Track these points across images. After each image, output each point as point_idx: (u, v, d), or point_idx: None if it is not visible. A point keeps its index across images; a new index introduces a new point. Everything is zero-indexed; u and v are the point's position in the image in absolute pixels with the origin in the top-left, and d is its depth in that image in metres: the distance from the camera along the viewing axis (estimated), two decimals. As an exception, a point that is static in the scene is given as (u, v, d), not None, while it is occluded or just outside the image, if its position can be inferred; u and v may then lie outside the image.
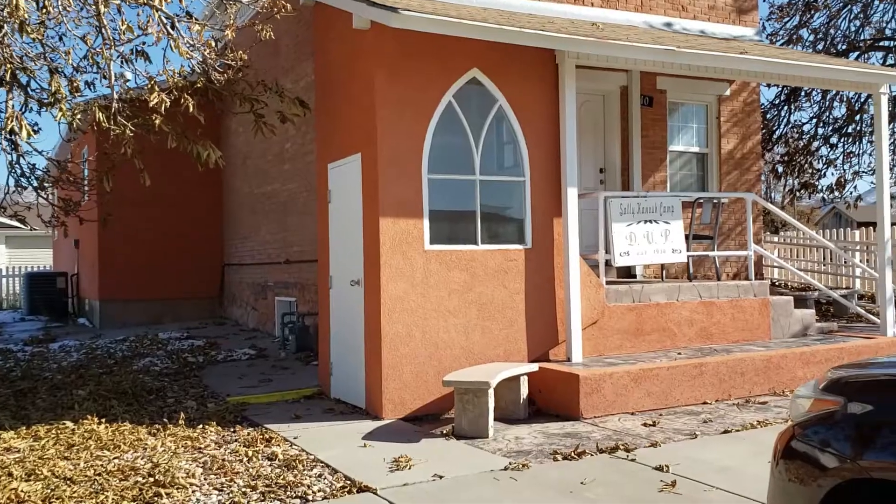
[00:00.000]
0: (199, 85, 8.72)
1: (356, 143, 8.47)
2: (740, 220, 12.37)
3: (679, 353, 9.04)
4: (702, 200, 10.25)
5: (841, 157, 17.37)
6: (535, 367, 8.15)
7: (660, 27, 11.61)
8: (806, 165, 17.31)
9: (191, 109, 8.08)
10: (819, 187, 17.52)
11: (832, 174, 17.58)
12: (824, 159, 17.26)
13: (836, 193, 17.32)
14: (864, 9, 15.96)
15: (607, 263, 9.33)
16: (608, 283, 9.39)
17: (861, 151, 17.32)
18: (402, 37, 7.98)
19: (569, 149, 8.63)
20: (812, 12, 16.61)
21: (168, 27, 8.25)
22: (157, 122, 8.16)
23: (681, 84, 12.07)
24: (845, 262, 16.17)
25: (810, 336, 10.39)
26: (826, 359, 9.15)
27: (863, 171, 17.16)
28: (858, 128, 16.91)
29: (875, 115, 10.70)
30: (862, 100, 16.41)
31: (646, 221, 9.39)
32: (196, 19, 8.66)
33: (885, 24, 16.10)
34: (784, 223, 16.22)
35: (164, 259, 16.75)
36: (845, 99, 16.82)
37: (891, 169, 17.22)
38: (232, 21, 8.51)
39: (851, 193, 17.46)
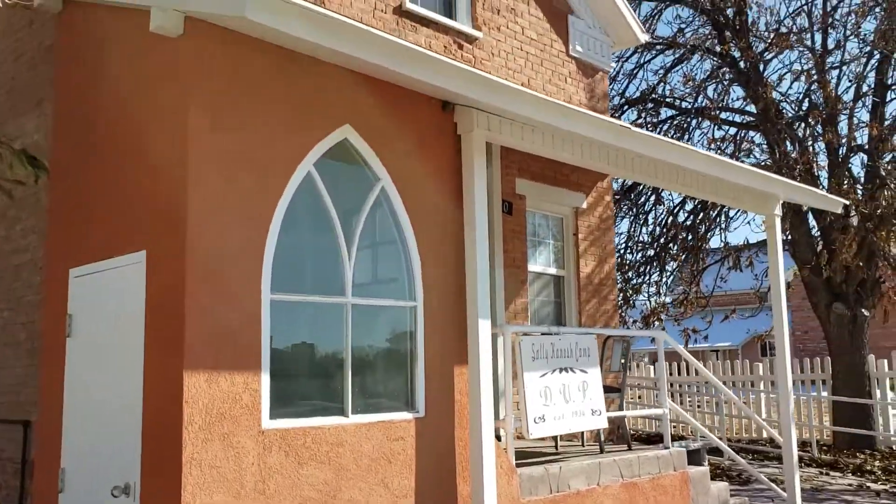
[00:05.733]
0: None
1: (138, 232, 4.77)
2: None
3: (617, 569, 6.13)
4: (612, 341, 7.67)
5: (646, 288, 16.16)
6: None
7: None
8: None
9: None
10: (625, 319, 16.09)
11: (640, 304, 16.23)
12: (631, 287, 15.94)
13: (641, 325, 15.97)
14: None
15: (517, 434, 6.28)
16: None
17: (663, 280, 16.23)
18: (237, 56, 4.62)
19: (479, 261, 5.64)
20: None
21: None
22: None
23: (540, 190, 9.71)
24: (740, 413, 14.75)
25: (731, 519, 8.03)
26: (792, 562, 6.74)
27: (667, 303, 16.04)
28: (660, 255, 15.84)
29: (769, 241, 9.01)
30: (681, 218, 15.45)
31: (561, 370, 6.55)
32: None
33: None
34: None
35: None
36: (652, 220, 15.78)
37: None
38: None
39: (654, 325, 16.21)
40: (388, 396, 5.28)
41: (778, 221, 8.98)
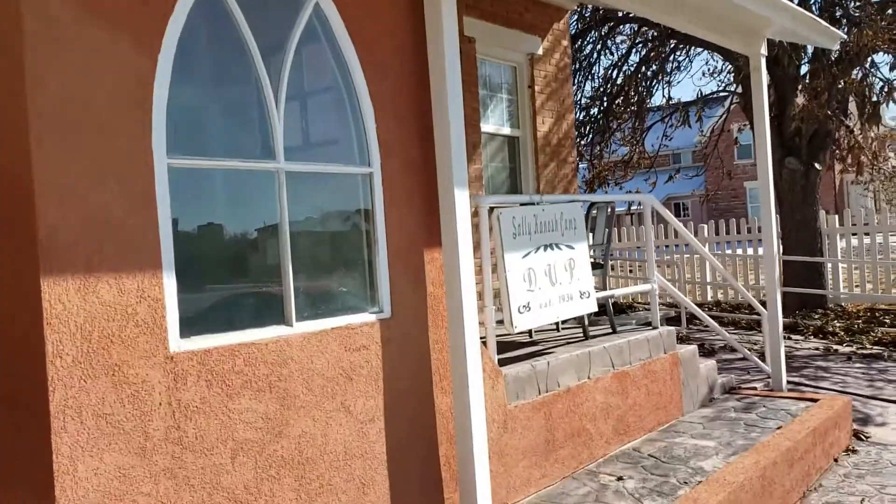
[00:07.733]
0: None
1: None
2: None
3: (620, 480, 5.14)
4: (596, 209, 6.43)
5: (587, 150, 14.97)
6: None
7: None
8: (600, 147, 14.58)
9: None
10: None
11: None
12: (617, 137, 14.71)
13: (621, 174, 14.83)
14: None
15: (499, 327, 5.06)
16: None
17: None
18: None
19: (452, 113, 4.25)
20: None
21: None
22: None
23: (491, 32, 8.22)
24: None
25: (718, 400, 7.17)
26: (805, 450, 5.91)
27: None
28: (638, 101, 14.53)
29: (754, 86, 7.83)
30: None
31: (545, 247, 5.32)
32: None
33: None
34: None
35: None
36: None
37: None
38: None
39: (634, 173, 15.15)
40: (344, 295, 3.96)
41: (763, 62, 7.78)
